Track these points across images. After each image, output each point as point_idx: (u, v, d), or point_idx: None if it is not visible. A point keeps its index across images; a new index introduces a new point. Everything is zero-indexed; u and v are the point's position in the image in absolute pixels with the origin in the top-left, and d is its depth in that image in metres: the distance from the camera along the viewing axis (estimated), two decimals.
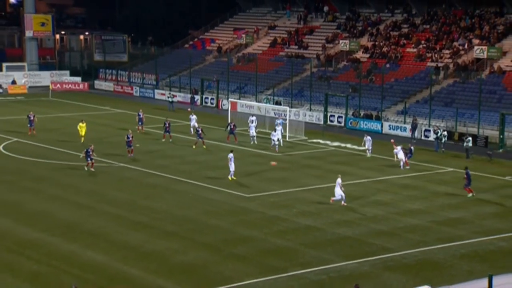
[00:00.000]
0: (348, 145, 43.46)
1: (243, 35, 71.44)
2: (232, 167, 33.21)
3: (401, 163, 36.86)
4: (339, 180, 29.36)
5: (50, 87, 66.22)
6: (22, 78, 69.12)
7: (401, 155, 36.93)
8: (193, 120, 45.34)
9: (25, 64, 72.02)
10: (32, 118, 43.71)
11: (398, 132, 47.92)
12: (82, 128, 41.27)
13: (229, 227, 26.45)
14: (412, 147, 38.44)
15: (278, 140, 40.85)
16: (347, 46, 62.10)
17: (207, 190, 31.77)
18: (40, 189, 31.36)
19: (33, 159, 37.35)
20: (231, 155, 33.42)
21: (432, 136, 44.69)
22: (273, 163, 35.82)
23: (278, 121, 43.58)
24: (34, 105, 57.78)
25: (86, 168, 34.50)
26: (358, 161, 39.00)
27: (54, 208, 28.49)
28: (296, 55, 65.05)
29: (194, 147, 40.88)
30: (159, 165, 36.40)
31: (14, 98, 62.63)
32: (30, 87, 68.07)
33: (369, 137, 40.26)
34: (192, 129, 44.65)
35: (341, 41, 63.21)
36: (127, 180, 33.55)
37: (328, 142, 44.46)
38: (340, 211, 28.80)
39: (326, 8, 71.21)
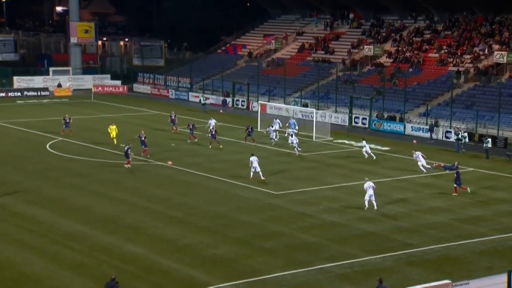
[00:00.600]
0: (372, 146, 43.02)
1: (273, 41, 71.38)
2: (257, 168, 32.63)
3: (422, 168, 35.29)
4: (372, 184, 28.14)
5: (93, 90, 67.02)
6: (67, 81, 70.07)
7: (420, 159, 35.46)
8: (212, 123, 44.23)
9: (69, 68, 73.00)
10: (68, 120, 44.23)
11: (420, 133, 47.40)
12: (112, 130, 41.09)
13: (258, 223, 26.44)
14: (456, 164, 34.95)
15: (296, 143, 39.11)
16: (372, 51, 61.63)
17: (238, 188, 31.81)
18: (83, 185, 31.75)
19: (76, 157, 37.85)
20: (253, 158, 32.93)
21: (453, 137, 44.10)
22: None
23: (290, 121, 43.21)
24: (78, 107, 58.61)
25: (126, 166, 34.81)
26: (381, 160, 38.65)
27: (95, 203, 28.82)
28: (323, 60, 64.77)
29: (216, 146, 40.55)
30: (193, 163, 36.55)
31: (59, 100, 63.58)
32: (74, 90, 68.98)
33: (364, 142, 38.76)
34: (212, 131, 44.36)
35: (365, 47, 62.74)
36: (163, 177, 33.78)
37: (352, 142, 44.16)
38: (364, 208, 28.56)
39: (351, 16, 70.77)
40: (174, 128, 45.85)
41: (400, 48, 61.36)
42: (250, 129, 42.46)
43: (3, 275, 20.97)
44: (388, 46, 62.97)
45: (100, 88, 68.92)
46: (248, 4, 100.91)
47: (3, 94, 64.92)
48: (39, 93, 66.29)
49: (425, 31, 62.70)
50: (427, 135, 46.74)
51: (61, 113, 49.11)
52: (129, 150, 34.84)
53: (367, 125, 51.01)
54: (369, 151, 38.58)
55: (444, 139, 46.02)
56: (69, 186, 31.63)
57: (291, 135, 40.44)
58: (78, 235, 24.64)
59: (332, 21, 71.62)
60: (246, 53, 73.08)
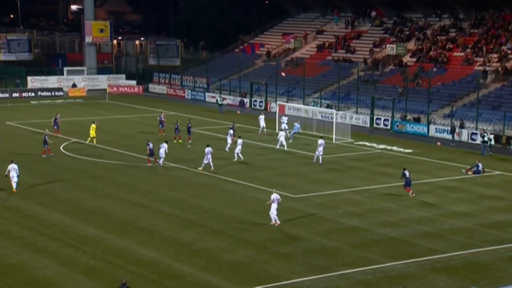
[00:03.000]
0: (394, 148, 42.83)
1: (292, 40, 71.27)
2: (210, 160, 34.36)
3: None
4: (278, 196, 26.25)
5: (107, 90, 67.45)
6: (81, 81, 70.57)
7: (320, 149, 36.32)
8: (262, 119, 46.15)
9: (84, 68, 73.55)
10: (57, 120, 44.45)
11: (445, 135, 46.97)
12: (92, 130, 40.93)
13: (275, 227, 26.33)
14: (479, 164, 35.74)
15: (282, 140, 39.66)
16: (394, 50, 61.23)
17: (254, 190, 31.75)
18: (97, 188, 31.91)
19: (91, 159, 38.08)
20: (208, 149, 34.54)
21: (478, 140, 43.61)
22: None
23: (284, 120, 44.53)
24: (92, 107, 59.01)
25: (160, 164, 35.90)
26: (404, 163, 38.23)
27: (109, 206, 28.95)
28: (343, 59, 64.51)
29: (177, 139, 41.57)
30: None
31: (74, 101, 64.07)
32: (88, 90, 69.46)
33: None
34: (261, 130, 45.66)
35: (388, 46, 62.36)
36: (178, 179, 33.85)
37: (374, 144, 43.89)
38: (385, 212, 28.36)
39: (373, 13, 70.40)
40: (162, 130, 45.31)
41: (424, 47, 60.89)
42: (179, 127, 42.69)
43: (16, 278, 21.12)
44: (411, 45, 62.52)
45: (115, 88, 69.35)
46: (266, 2, 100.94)
47: (17, 94, 65.62)
48: (53, 93, 66.88)
49: (450, 29, 62.14)
50: (451, 136, 46.32)
51: (75, 114, 49.45)
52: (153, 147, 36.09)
53: (389, 127, 50.66)
54: (239, 151, 37.21)
55: (469, 141, 45.55)
56: (83, 188, 31.82)
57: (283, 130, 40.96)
58: (92, 238, 24.75)
59: (353, 19, 71.31)
60: (264, 53, 73.04)
